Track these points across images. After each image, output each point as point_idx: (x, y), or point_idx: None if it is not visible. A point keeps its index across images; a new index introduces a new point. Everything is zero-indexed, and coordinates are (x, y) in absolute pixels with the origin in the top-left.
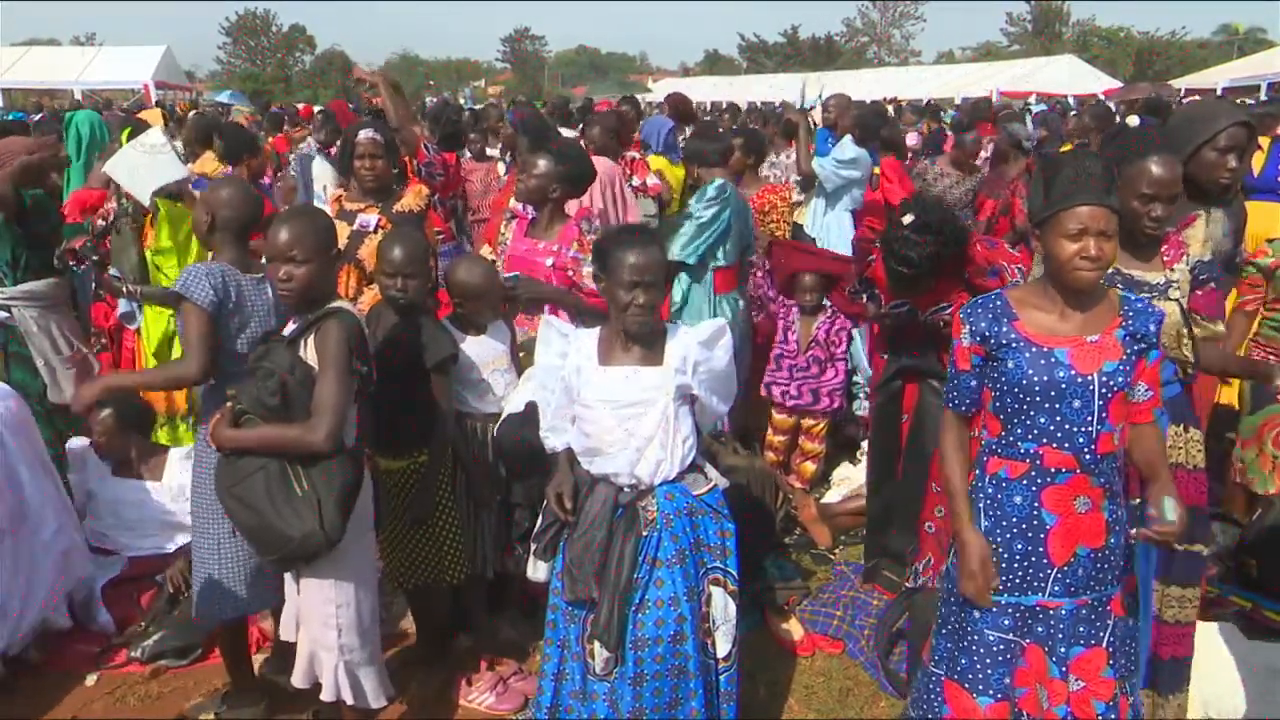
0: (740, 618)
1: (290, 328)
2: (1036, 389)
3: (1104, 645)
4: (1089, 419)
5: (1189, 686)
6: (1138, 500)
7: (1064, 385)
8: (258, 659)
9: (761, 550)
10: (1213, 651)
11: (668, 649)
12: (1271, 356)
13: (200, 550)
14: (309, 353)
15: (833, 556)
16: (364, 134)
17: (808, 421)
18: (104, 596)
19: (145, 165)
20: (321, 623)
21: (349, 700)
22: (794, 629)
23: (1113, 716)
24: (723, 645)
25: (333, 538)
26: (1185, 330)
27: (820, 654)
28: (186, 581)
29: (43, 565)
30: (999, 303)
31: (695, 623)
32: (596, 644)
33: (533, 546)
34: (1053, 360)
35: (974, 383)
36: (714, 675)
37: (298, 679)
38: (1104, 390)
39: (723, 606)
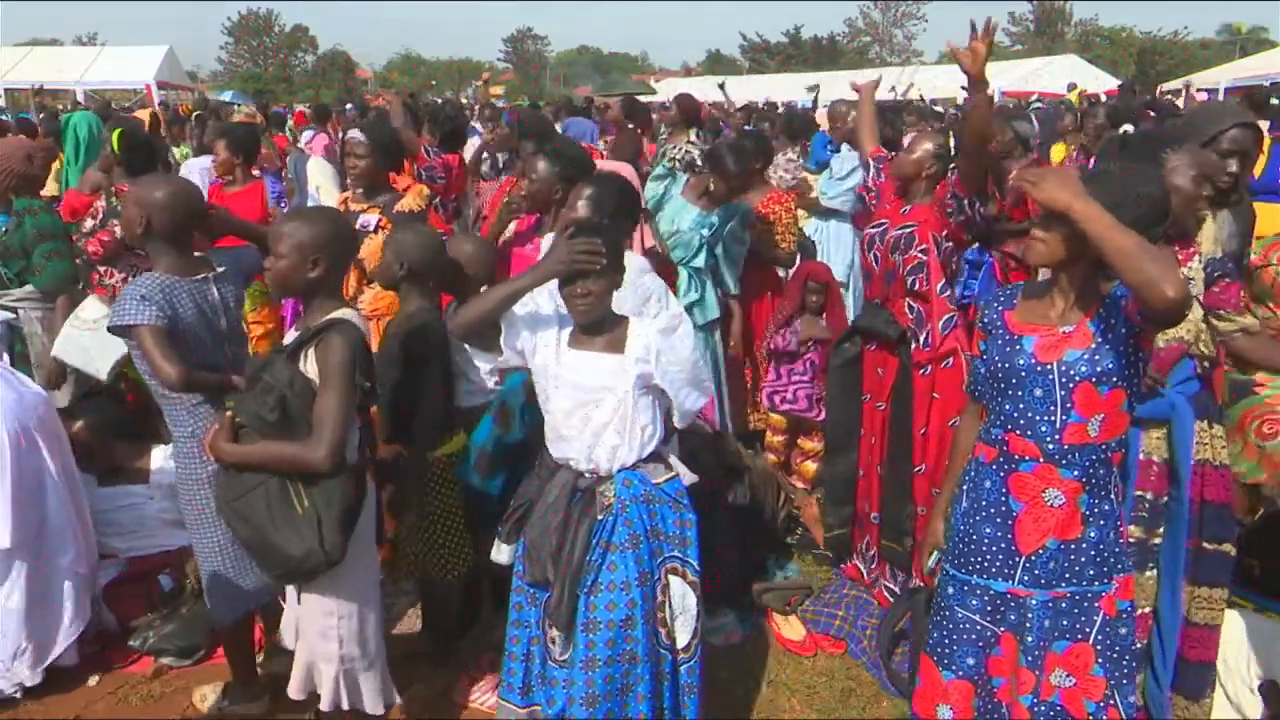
0: (742, 617)
1: (290, 336)
2: (1000, 375)
3: (1090, 642)
4: (1051, 408)
5: (1213, 691)
6: (1165, 498)
7: (1024, 373)
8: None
9: (763, 550)
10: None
11: (618, 633)
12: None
13: (204, 551)
14: (309, 365)
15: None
16: (351, 133)
17: (807, 421)
18: (104, 596)
19: (94, 344)
20: (320, 634)
21: (345, 706)
22: (796, 629)
23: (1103, 718)
24: (682, 635)
25: (333, 558)
26: (1204, 326)
27: (822, 654)
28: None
29: (56, 592)
30: (1008, 292)
31: (646, 609)
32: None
33: (499, 530)
34: (1017, 347)
35: (983, 369)
36: (668, 665)
37: (294, 690)
38: (1064, 379)
39: (681, 595)
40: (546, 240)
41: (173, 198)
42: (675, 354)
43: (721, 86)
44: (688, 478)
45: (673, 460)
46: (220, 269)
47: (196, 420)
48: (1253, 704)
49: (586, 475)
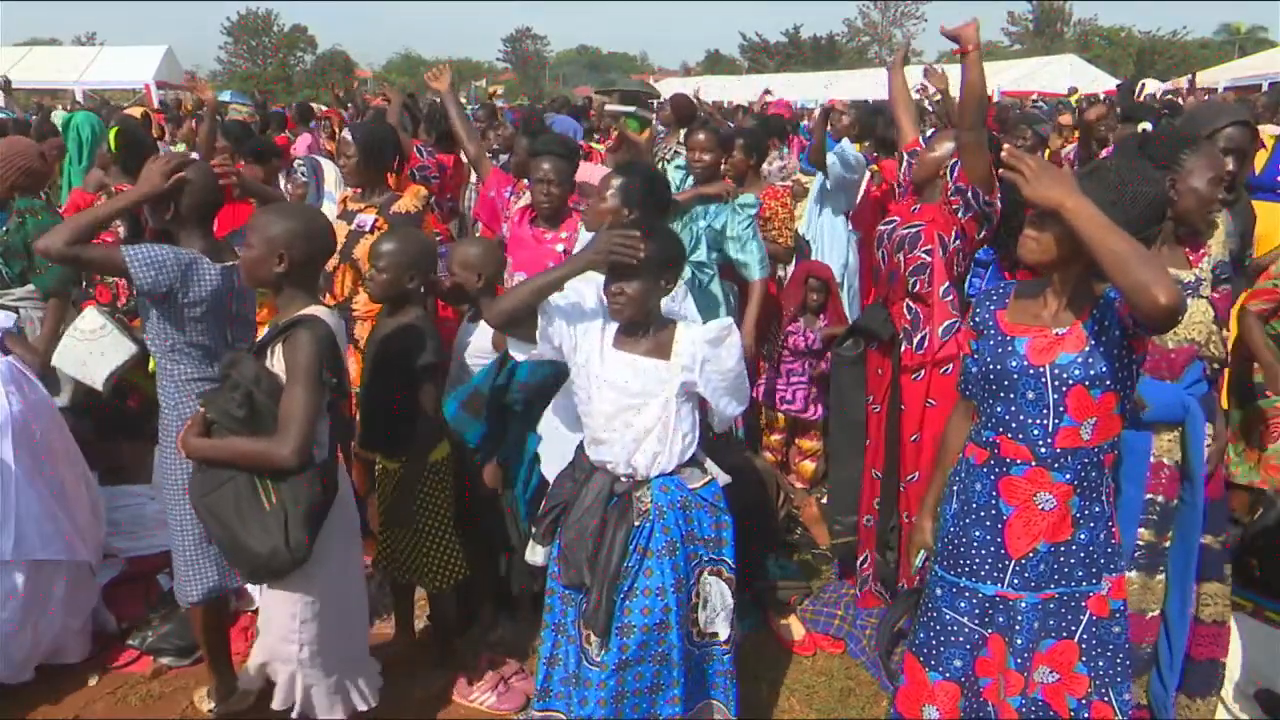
0: (742, 616)
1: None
2: (992, 377)
3: (1075, 640)
4: (1044, 411)
5: (1220, 690)
6: (1176, 501)
7: (1016, 375)
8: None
9: (763, 550)
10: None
11: (652, 636)
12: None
13: (171, 530)
14: (277, 361)
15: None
16: (343, 133)
17: (804, 420)
18: (104, 596)
19: (91, 354)
20: (282, 636)
21: (296, 709)
22: (795, 628)
23: (1085, 715)
24: (724, 630)
25: (297, 556)
26: (1216, 328)
27: (821, 653)
28: None
29: (58, 596)
30: (1001, 290)
31: (681, 614)
32: None
33: (533, 530)
34: (1010, 349)
35: (975, 369)
36: (695, 660)
37: (246, 681)
38: (1057, 383)
39: (720, 593)
40: (551, 232)
41: (196, 179)
42: (720, 364)
43: (767, 92)
44: (722, 479)
45: (708, 464)
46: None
47: (181, 394)
48: (1249, 710)
49: (623, 479)
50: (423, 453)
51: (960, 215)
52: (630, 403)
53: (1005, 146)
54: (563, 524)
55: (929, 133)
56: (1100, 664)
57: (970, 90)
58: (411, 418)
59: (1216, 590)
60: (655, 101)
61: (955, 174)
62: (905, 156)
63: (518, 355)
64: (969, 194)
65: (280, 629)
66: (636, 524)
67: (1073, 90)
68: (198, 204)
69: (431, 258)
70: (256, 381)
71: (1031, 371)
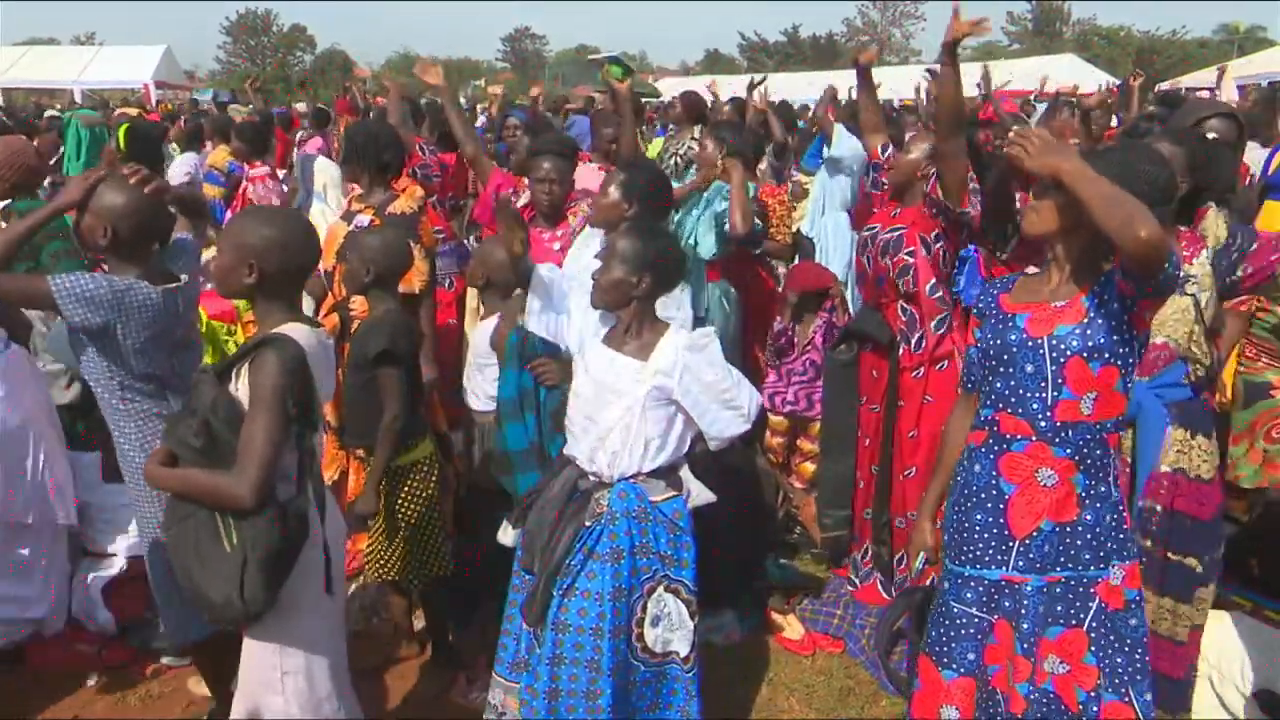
0: (742, 616)
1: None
2: (992, 353)
3: (1084, 629)
4: (1043, 384)
5: (1188, 713)
6: (1163, 507)
7: (1015, 349)
8: None
9: (762, 550)
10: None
11: (586, 639)
12: (1264, 356)
13: (155, 580)
14: (242, 385)
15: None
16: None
17: (806, 419)
18: (105, 596)
19: None
20: (264, 685)
21: None
22: (794, 628)
23: (1094, 709)
24: (683, 647)
25: (252, 610)
26: (1198, 328)
27: (821, 653)
28: None
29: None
30: (1005, 280)
31: (616, 622)
32: None
33: (507, 514)
34: (1010, 324)
35: (977, 353)
36: (645, 676)
37: None
38: (1055, 354)
39: (678, 611)
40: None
41: (137, 201)
42: (696, 374)
43: (750, 87)
44: (702, 497)
45: (685, 476)
46: (184, 278)
47: (144, 431)
48: (1249, 710)
49: (590, 477)
50: (387, 449)
51: (940, 218)
52: (602, 398)
53: (1014, 129)
54: (533, 509)
55: (908, 136)
56: (1118, 660)
57: (941, 102)
58: (373, 409)
59: (1175, 608)
60: (653, 101)
61: (929, 185)
62: (870, 171)
63: (530, 325)
64: (941, 206)
65: (262, 679)
66: (587, 525)
67: (1043, 80)
68: (137, 227)
69: (392, 254)
70: (213, 408)
71: (1030, 344)
